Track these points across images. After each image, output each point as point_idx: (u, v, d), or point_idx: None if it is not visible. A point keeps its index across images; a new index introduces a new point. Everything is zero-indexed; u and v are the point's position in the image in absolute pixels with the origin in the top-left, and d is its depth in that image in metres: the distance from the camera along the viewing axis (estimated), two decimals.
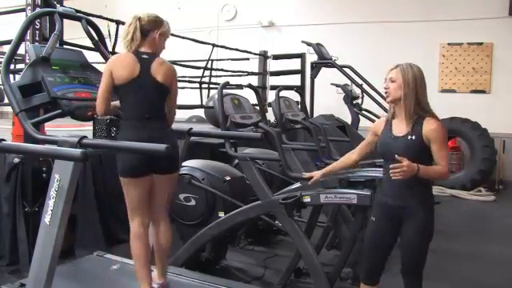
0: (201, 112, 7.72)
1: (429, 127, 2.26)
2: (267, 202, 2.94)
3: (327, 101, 7.57)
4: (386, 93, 2.37)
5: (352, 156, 2.60)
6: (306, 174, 2.80)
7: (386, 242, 2.43)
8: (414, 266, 2.36)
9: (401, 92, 2.30)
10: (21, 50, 2.27)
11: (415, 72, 2.31)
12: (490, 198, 6.96)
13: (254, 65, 7.93)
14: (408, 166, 2.14)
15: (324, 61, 7.03)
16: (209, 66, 6.74)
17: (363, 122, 6.25)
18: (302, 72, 7.90)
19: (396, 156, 2.18)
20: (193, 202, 3.33)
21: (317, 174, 2.73)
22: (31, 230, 3.40)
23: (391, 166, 2.18)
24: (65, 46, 3.58)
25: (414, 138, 2.27)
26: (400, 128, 2.34)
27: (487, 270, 3.92)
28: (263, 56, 7.97)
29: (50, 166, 3.37)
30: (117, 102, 2.35)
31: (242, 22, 10.29)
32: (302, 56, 7.82)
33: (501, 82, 8.19)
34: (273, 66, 8.01)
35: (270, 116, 4.60)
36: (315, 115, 6.95)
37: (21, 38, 2.03)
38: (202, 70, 6.62)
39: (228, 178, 3.38)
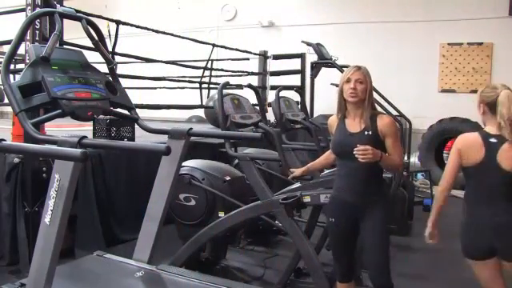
0: (201, 112, 7.73)
1: (383, 122, 2.41)
2: (267, 202, 2.94)
3: (327, 101, 7.55)
4: (353, 93, 2.43)
5: (331, 155, 2.73)
6: (291, 172, 2.92)
7: (350, 240, 2.51)
8: (380, 262, 2.39)
9: (366, 93, 2.43)
10: (21, 50, 2.27)
11: (369, 73, 2.50)
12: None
13: (254, 65, 7.93)
14: (373, 150, 2.28)
15: (324, 61, 7.02)
16: (209, 66, 6.75)
17: None
18: (302, 72, 7.90)
19: (358, 145, 2.29)
20: (193, 202, 3.33)
21: (298, 171, 2.86)
22: (31, 229, 3.41)
23: (359, 147, 2.28)
24: (65, 46, 3.58)
25: (370, 133, 2.40)
26: (354, 126, 2.46)
27: None
28: (263, 56, 7.97)
29: (50, 166, 3.38)
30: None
31: (242, 22, 10.30)
32: (302, 56, 7.82)
33: (501, 82, 8.19)
34: (273, 65, 8.01)
35: (270, 116, 4.60)
36: (315, 115, 6.95)
37: (21, 38, 2.02)
38: (202, 70, 6.63)
39: (228, 178, 3.38)
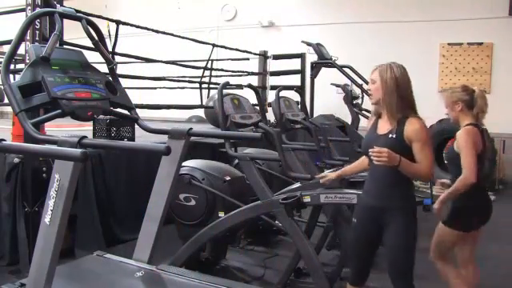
0: (201, 112, 7.73)
1: (410, 127, 2.27)
2: (267, 202, 2.94)
3: (327, 101, 7.57)
4: (370, 94, 2.42)
5: (366, 160, 2.58)
6: (320, 175, 2.83)
7: (369, 244, 2.43)
8: (400, 268, 2.33)
9: (380, 93, 2.33)
10: (21, 50, 2.27)
11: (395, 72, 2.32)
12: (490, 198, 6.96)
13: (254, 65, 7.93)
14: (389, 153, 2.17)
15: (324, 61, 7.03)
16: (209, 66, 6.75)
17: (363, 122, 6.25)
18: (302, 72, 7.91)
19: (374, 146, 2.22)
20: (193, 202, 3.33)
21: (331, 175, 2.75)
22: (31, 229, 3.41)
23: (373, 149, 2.21)
24: (65, 46, 3.58)
25: (394, 136, 2.29)
26: (384, 127, 2.37)
27: (487, 270, 3.91)
28: (263, 56, 7.97)
29: (50, 166, 3.38)
30: None
31: (242, 22, 10.30)
32: (302, 56, 7.82)
33: (501, 82, 8.19)
34: (273, 65, 8.01)
35: (270, 116, 4.60)
36: (315, 115, 6.95)
37: (21, 38, 2.02)
38: (202, 70, 6.63)
39: (228, 178, 3.38)
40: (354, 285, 2.52)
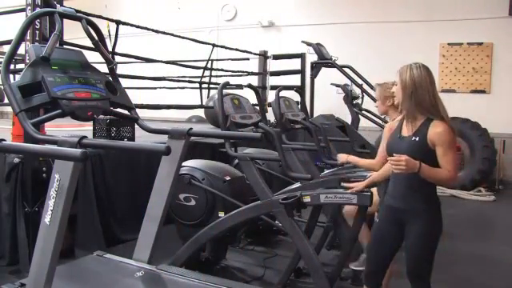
0: (201, 112, 7.74)
1: (434, 130, 2.21)
2: (267, 202, 2.94)
3: (327, 101, 7.56)
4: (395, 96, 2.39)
5: (388, 165, 2.49)
6: (347, 185, 2.76)
7: (389, 245, 2.40)
8: (418, 270, 2.32)
9: (401, 94, 2.30)
10: (21, 50, 2.27)
11: (414, 73, 2.28)
12: (490, 198, 6.97)
13: (254, 65, 7.93)
14: (407, 160, 2.12)
15: (324, 61, 7.03)
16: (209, 66, 6.75)
17: (363, 122, 6.25)
18: (302, 72, 7.90)
19: (394, 154, 2.18)
20: (193, 202, 3.33)
21: (360, 185, 2.69)
22: (31, 229, 3.40)
23: (392, 157, 2.17)
24: (65, 46, 3.58)
25: (417, 139, 2.24)
26: (408, 128, 2.32)
27: (487, 270, 3.92)
28: (263, 56, 7.97)
29: (50, 166, 3.38)
30: None
31: (242, 22, 10.30)
32: (302, 56, 7.82)
33: (501, 82, 8.19)
34: (273, 65, 8.01)
35: (270, 116, 4.59)
36: (315, 115, 6.95)
37: (21, 38, 2.02)
38: (202, 70, 6.62)
39: (228, 178, 3.38)
40: (368, 286, 2.49)
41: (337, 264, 3.08)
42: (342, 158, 3.04)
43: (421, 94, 2.25)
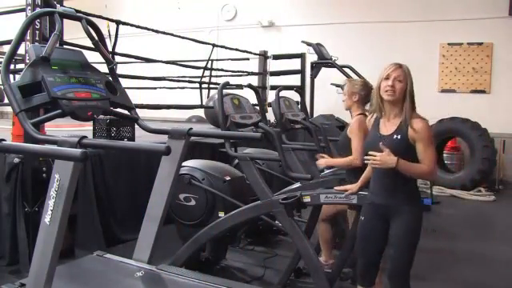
0: (201, 112, 7.73)
1: (415, 127, 2.27)
2: (267, 202, 2.94)
3: (327, 101, 7.56)
4: (390, 91, 2.32)
5: None
6: (340, 188, 2.77)
7: (375, 241, 2.43)
8: (400, 267, 2.34)
9: (404, 93, 2.32)
10: (21, 50, 2.27)
11: (410, 72, 2.36)
12: (490, 198, 6.97)
13: (254, 65, 7.93)
14: (381, 157, 2.21)
15: (324, 61, 7.03)
16: (209, 66, 6.75)
17: None
18: (302, 72, 7.91)
19: (380, 145, 2.24)
20: (193, 202, 3.33)
21: (354, 187, 2.71)
22: (31, 229, 3.40)
23: (369, 152, 2.26)
24: (65, 46, 3.58)
25: (399, 137, 2.30)
26: (387, 127, 2.37)
27: (487, 270, 3.92)
28: (263, 56, 7.97)
29: (50, 166, 3.38)
30: None
31: (242, 22, 10.30)
32: (302, 56, 7.82)
33: (501, 82, 8.19)
34: (273, 65, 8.01)
35: (270, 116, 4.59)
36: (315, 115, 6.95)
37: (21, 38, 2.02)
38: (202, 70, 6.63)
39: (228, 178, 3.38)
40: (362, 285, 2.50)
41: (337, 264, 3.08)
42: (321, 163, 3.21)
43: (412, 91, 2.34)
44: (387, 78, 2.34)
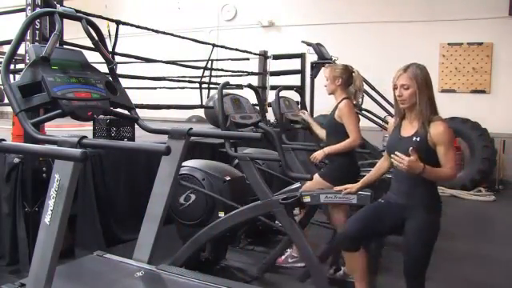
0: (201, 112, 7.73)
1: (435, 130, 2.26)
2: (267, 202, 2.94)
3: (327, 101, 7.56)
4: (399, 100, 2.35)
5: (384, 163, 2.61)
6: (339, 188, 2.77)
7: (381, 221, 2.42)
8: (413, 268, 2.33)
9: (415, 98, 2.30)
10: (21, 50, 2.27)
11: (424, 74, 2.33)
12: (490, 198, 6.97)
13: (254, 65, 7.93)
14: (410, 161, 2.17)
15: (324, 61, 7.02)
16: (209, 66, 6.74)
17: (363, 122, 6.24)
18: (302, 72, 7.90)
19: (410, 150, 2.19)
20: (192, 202, 3.33)
21: (353, 187, 2.70)
22: (31, 229, 3.40)
23: (396, 152, 2.22)
24: (65, 46, 3.58)
25: (418, 139, 2.28)
26: (408, 129, 2.36)
27: (487, 270, 3.92)
28: (263, 56, 7.97)
29: (50, 166, 3.37)
30: None
31: (242, 22, 10.29)
32: (302, 56, 7.81)
33: (501, 82, 8.19)
34: (273, 65, 8.00)
35: (270, 116, 4.59)
36: (315, 115, 6.95)
37: (21, 38, 2.02)
38: (202, 70, 6.62)
39: (228, 178, 3.38)
40: (350, 250, 2.50)
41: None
42: (318, 154, 3.29)
43: (431, 92, 2.32)
44: (395, 88, 2.36)
